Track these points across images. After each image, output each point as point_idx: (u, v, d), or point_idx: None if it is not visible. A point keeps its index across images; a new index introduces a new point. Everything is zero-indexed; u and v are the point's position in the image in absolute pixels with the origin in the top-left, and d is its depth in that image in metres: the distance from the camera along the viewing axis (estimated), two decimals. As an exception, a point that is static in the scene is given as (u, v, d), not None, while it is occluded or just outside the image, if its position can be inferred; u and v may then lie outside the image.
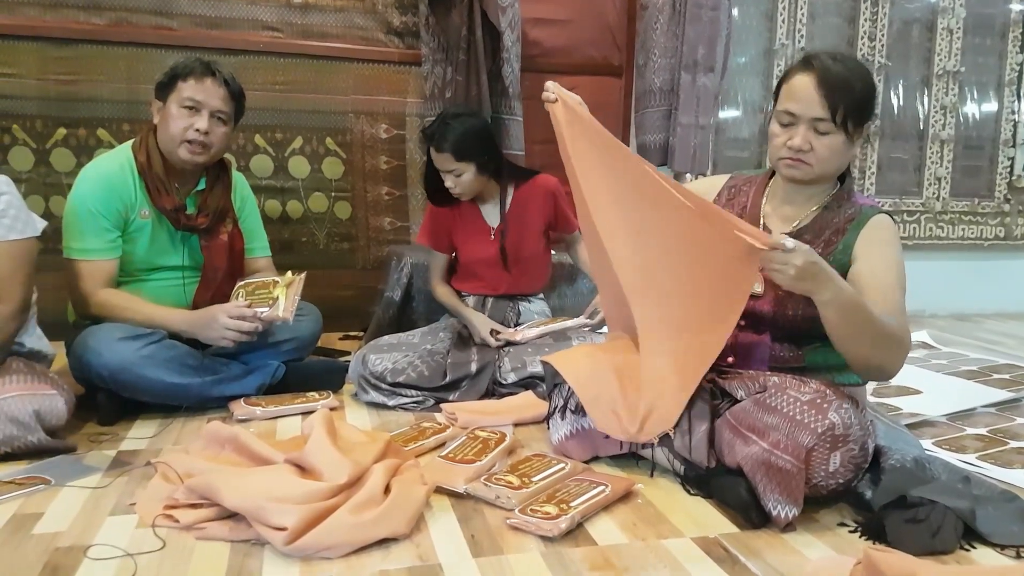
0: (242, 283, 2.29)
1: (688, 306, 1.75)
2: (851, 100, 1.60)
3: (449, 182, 2.53)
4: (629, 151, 1.85)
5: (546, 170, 2.74)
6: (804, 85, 1.63)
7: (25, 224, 1.88)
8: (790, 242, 1.42)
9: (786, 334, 1.74)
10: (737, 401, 1.68)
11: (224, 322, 2.14)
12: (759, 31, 4.04)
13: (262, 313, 2.19)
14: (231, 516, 1.48)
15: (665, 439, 1.76)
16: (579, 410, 1.86)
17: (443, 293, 2.72)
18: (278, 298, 2.21)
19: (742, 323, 1.76)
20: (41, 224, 1.95)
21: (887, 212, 1.74)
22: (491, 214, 2.67)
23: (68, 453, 1.88)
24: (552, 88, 1.84)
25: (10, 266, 1.86)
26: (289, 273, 2.28)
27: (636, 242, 1.80)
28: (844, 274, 1.63)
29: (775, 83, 1.76)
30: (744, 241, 1.51)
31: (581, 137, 1.84)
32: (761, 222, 1.80)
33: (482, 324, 2.56)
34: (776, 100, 1.72)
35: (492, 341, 2.51)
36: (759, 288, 1.73)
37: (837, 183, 1.78)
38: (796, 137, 1.64)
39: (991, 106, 4.44)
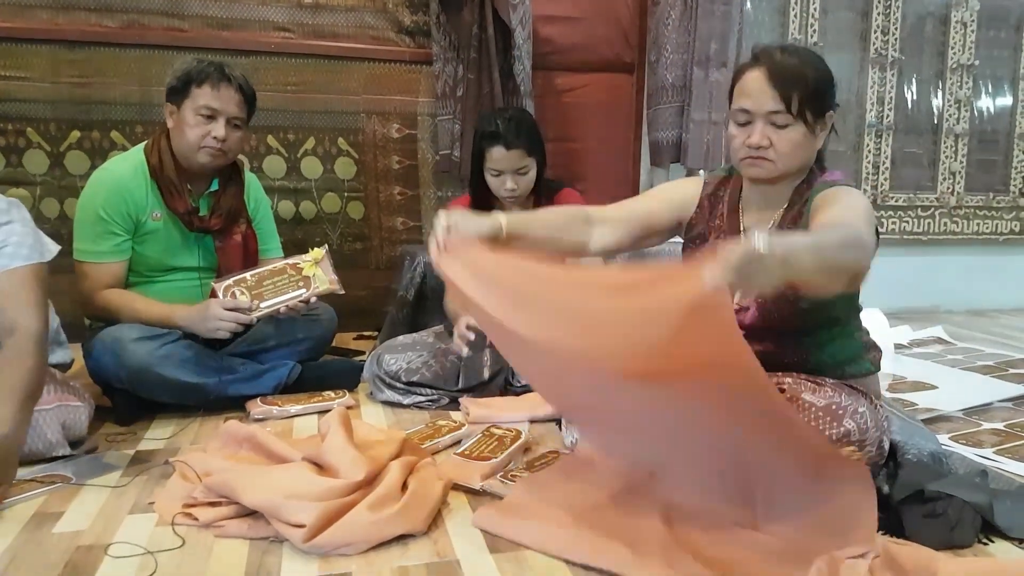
0: (229, 281, 2.20)
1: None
2: (805, 89, 1.54)
3: (510, 183, 2.41)
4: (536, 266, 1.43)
5: (556, 169, 2.72)
6: (755, 80, 1.57)
7: (31, 250, 1.81)
8: (759, 240, 1.12)
9: (784, 337, 1.68)
10: None
11: (219, 313, 2.14)
12: (771, 26, 4.03)
13: (302, 295, 2.22)
14: (250, 514, 1.49)
15: None
16: None
17: (454, 312, 2.57)
18: (312, 276, 2.23)
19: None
20: (54, 248, 1.89)
21: (842, 183, 1.62)
22: None
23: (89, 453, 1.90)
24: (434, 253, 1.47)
25: (19, 294, 1.76)
26: (313, 250, 2.28)
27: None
28: None
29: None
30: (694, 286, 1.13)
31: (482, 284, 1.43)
32: (741, 229, 1.73)
33: (458, 326, 2.26)
34: (731, 102, 1.64)
35: (463, 338, 2.18)
36: (739, 297, 1.54)
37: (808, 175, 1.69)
38: (754, 134, 1.57)
39: (1006, 100, 4.41)
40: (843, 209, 1.50)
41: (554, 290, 1.37)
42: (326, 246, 2.31)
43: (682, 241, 1.83)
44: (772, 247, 1.10)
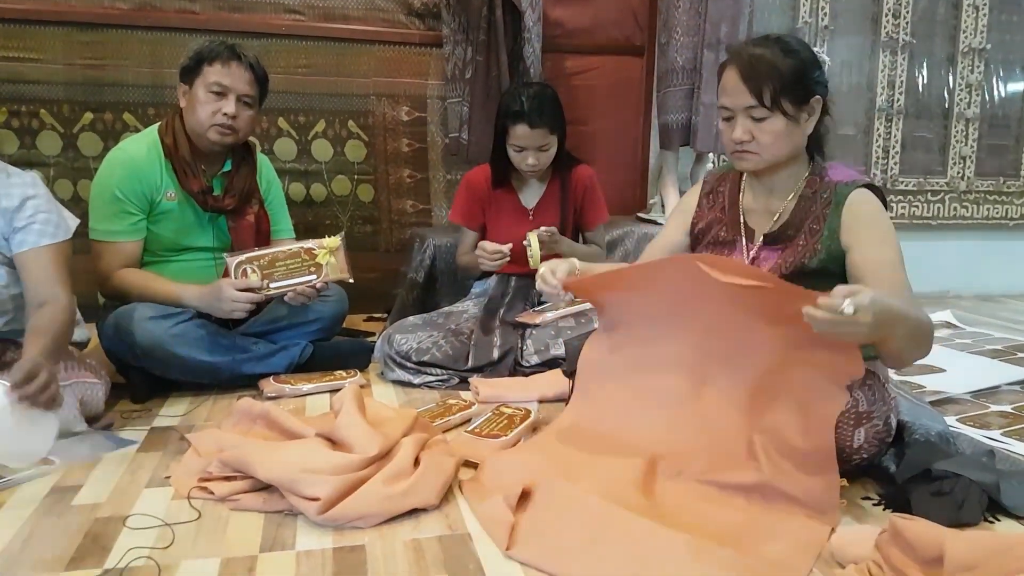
0: (242, 257, 2.22)
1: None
2: (778, 80, 1.57)
3: (531, 159, 2.52)
4: (656, 268, 1.75)
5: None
6: (730, 78, 1.62)
7: (56, 227, 1.86)
8: (848, 306, 1.25)
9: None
10: None
11: (232, 295, 2.15)
12: (782, 8, 4.01)
13: (312, 281, 2.23)
14: (264, 488, 1.52)
15: None
16: None
17: (470, 259, 2.70)
18: (324, 264, 2.26)
19: None
20: (74, 223, 1.94)
21: (863, 184, 1.66)
22: (527, 195, 2.69)
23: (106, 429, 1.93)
24: (546, 278, 1.74)
25: (48, 271, 1.82)
26: (328, 238, 2.29)
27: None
28: (837, 260, 1.62)
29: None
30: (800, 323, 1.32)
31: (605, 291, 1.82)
32: (741, 220, 1.77)
33: (482, 247, 2.52)
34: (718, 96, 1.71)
35: (501, 248, 2.48)
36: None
37: (811, 162, 1.73)
38: (736, 129, 1.62)
39: (1017, 84, 4.38)
40: (891, 252, 1.59)
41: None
42: (342, 234, 2.32)
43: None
44: (868, 310, 1.25)
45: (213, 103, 2.22)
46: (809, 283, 1.56)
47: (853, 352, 1.44)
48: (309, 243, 2.29)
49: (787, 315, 1.41)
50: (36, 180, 1.89)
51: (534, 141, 2.48)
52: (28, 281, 1.81)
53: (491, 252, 2.50)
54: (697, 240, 1.85)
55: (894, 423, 1.61)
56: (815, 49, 1.70)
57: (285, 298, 2.25)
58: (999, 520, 1.48)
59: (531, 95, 2.48)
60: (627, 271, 1.81)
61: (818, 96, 1.63)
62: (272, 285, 2.22)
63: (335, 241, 2.29)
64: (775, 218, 1.72)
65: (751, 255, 1.73)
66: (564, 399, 2.12)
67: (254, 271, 2.21)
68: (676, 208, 1.95)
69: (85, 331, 2.19)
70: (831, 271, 1.62)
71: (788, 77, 1.57)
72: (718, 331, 1.64)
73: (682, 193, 2.71)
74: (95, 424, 1.93)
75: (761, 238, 1.73)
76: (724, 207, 1.82)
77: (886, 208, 1.66)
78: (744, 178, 1.81)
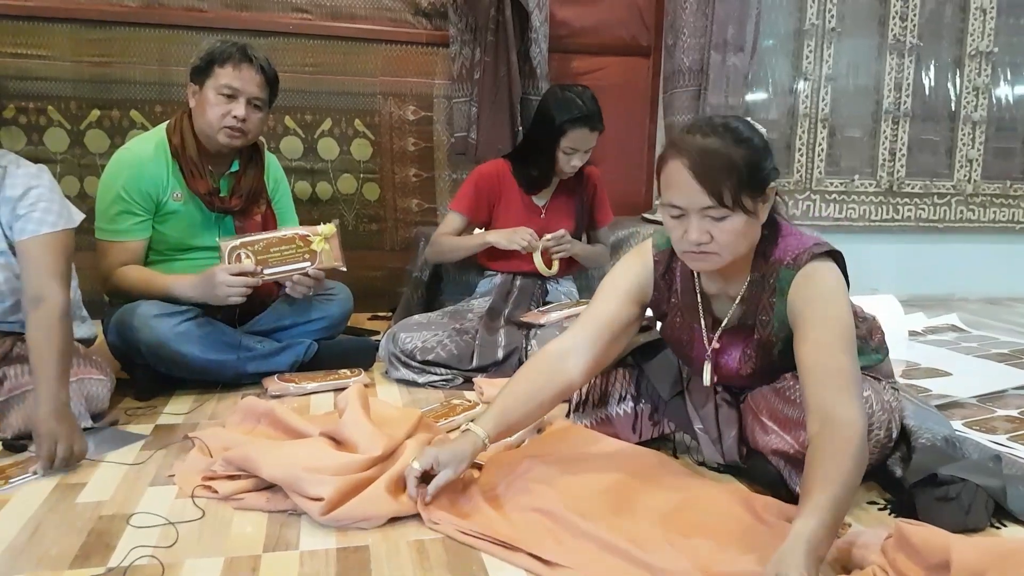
0: (236, 243, 2.20)
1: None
2: (737, 177, 1.39)
3: (576, 160, 2.58)
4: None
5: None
6: (678, 174, 1.42)
7: (58, 216, 1.83)
8: None
9: (768, 376, 1.64)
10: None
11: (226, 279, 2.13)
12: (789, 10, 4.00)
13: (306, 268, 2.23)
14: (268, 487, 1.52)
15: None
16: (600, 403, 1.88)
17: (450, 240, 2.72)
18: (319, 251, 2.25)
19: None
20: (79, 217, 1.91)
21: (807, 256, 1.49)
22: (539, 193, 2.70)
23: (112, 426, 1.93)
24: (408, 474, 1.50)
25: (45, 260, 1.78)
26: (323, 225, 2.29)
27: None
28: (791, 335, 1.50)
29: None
30: None
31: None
32: (699, 308, 1.64)
33: (512, 230, 2.60)
34: (659, 190, 1.52)
35: (532, 240, 2.56)
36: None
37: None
38: (691, 231, 1.43)
39: (1024, 87, 4.38)
40: (829, 334, 1.41)
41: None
42: (337, 221, 2.33)
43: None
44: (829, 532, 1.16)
45: (223, 105, 2.21)
46: (780, 362, 1.56)
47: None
48: (304, 229, 2.29)
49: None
50: (42, 171, 1.87)
51: (589, 143, 2.55)
52: (25, 270, 1.78)
53: (529, 240, 2.56)
54: (661, 320, 1.75)
55: (896, 428, 1.60)
56: (755, 125, 1.51)
57: (286, 289, 2.25)
58: (1005, 526, 1.48)
59: (588, 98, 2.54)
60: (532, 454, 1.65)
61: (772, 183, 1.48)
62: (266, 271, 2.20)
63: (330, 228, 2.29)
64: (735, 302, 1.60)
65: (713, 345, 1.64)
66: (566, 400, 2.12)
67: (248, 256, 2.20)
68: (620, 279, 1.70)
69: (92, 327, 2.19)
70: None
71: (745, 172, 1.40)
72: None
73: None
74: (100, 420, 1.93)
75: (721, 329, 1.63)
76: (678, 291, 1.67)
77: (843, 270, 1.52)
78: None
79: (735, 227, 1.43)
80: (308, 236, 2.27)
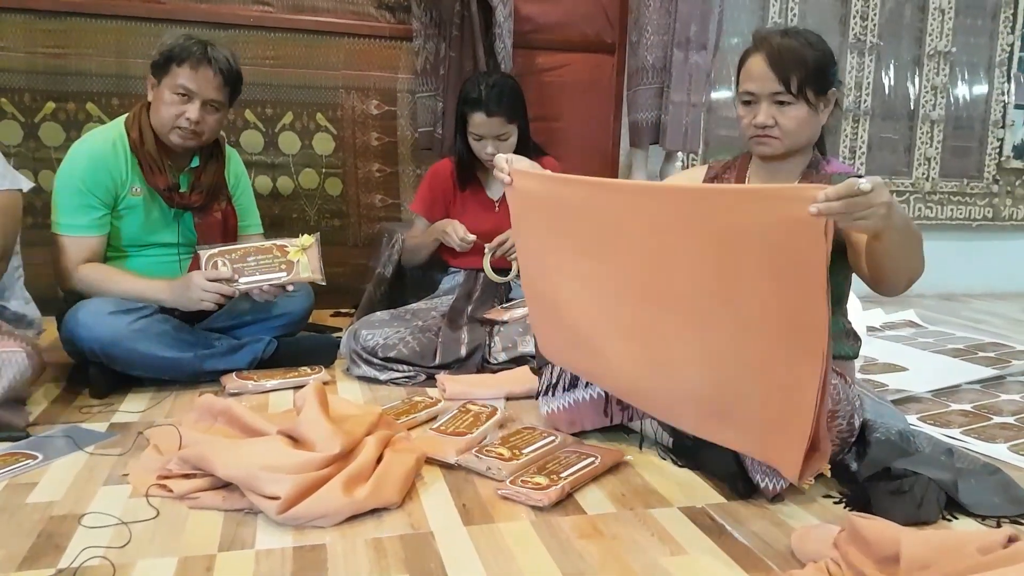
0: (214, 250, 2.20)
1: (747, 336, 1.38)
2: (804, 70, 1.61)
3: (490, 148, 2.51)
4: (618, 185, 1.76)
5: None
6: (757, 64, 1.65)
7: (2, 177, 1.80)
8: (865, 183, 1.17)
9: None
10: None
11: (202, 284, 2.12)
12: (752, 10, 4.03)
13: (281, 279, 2.20)
14: (224, 486, 1.50)
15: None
16: (571, 387, 1.88)
17: (411, 241, 2.72)
18: (296, 262, 2.22)
19: None
20: (26, 184, 1.88)
21: (857, 176, 1.60)
22: (494, 187, 2.69)
23: (15, 432, 1.81)
24: (499, 164, 1.72)
25: None
26: (303, 236, 2.25)
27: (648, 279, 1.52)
28: (838, 246, 1.53)
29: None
30: (797, 208, 1.18)
31: (542, 209, 1.71)
32: None
33: (454, 225, 2.55)
34: (738, 85, 1.73)
35: (468, 236, 2.51)
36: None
37: (812, 154, 1.76)
38: (760, 114, 1.65)
39: (982, 87, 4.45)
40: None
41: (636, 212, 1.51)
42: (317, 235, 2.28)
43: None
44: (883, 189, 1.21)
45: (177, 106, 2.17)
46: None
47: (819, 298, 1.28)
48: (282, 240, 2.26)
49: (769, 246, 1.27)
50: None
51: (492, 129, 2.50)
52: None
53: (460, 237, 2.51)
54: None
55: (857, 423, 1.63)
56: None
57: (251, 294, 2.22)
58: (956, 518, 1.51)
59: (490, 84, 2.50)
60: (582, 181, 1.62)
61: (835, 89, 1.67)
62: (242, 280, 2.18)
63: (308, 240, 2.25)
64: None
65: None
66: (532, 396, 2.12)
67: (224, 264, 2.18)
68: (676, 176, 1.94)
69: (38, 313, 2.15)
70: (833, 259, 1.58)
71: (812, 68, 1.61)
72: (664, 270, 1.47)
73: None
74: (20, 405, 1.89)
75: None
76: None
77: None
78: (749, 169, 1.82)
79: (798, 115, 1.63)
80: (286, 247, 2.24)
